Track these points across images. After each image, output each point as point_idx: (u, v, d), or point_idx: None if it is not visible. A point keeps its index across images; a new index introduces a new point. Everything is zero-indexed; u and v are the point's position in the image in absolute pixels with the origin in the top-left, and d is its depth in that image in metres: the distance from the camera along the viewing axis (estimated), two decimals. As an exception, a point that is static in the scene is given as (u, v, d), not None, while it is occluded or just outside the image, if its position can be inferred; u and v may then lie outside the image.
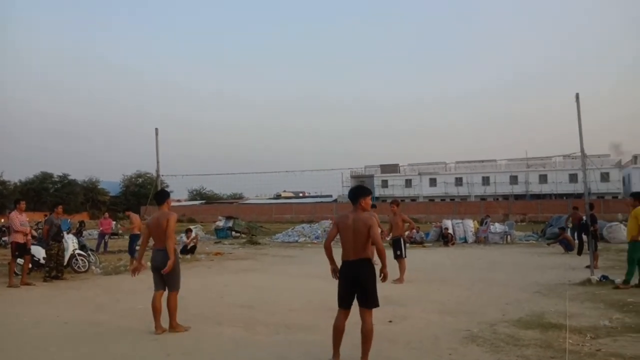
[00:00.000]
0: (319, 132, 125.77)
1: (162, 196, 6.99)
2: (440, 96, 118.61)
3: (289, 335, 6.37)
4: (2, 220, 27.92)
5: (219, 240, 26.12)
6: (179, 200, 70.33)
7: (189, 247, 17.53)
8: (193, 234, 18.62)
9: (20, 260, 10.96)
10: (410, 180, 67.38)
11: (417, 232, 23.71)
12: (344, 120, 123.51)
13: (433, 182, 66.07)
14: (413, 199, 65.07)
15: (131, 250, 13.50)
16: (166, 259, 6.47)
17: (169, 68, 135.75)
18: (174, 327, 6.50)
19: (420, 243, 22.68)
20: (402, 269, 10.83)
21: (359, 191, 5.36)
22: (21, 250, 10.77)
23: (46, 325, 7.03)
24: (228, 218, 30.70)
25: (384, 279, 5.19)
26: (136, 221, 14.10)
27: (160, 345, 5.95)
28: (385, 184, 67.86)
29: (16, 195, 54.35)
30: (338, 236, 5.28)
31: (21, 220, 10.84)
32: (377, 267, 5.15)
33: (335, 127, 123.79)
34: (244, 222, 32.06)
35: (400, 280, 10.65)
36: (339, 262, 5.26)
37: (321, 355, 5.30)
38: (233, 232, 28.85)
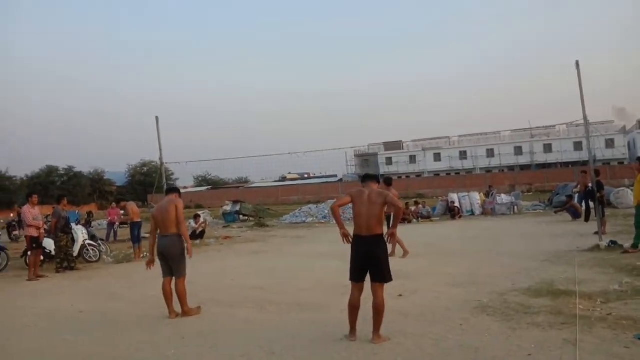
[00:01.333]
0: (321, 113, 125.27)
1: (173, 189, 7.21)
2: (441, 70, 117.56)
3: (302, 314, 6.43)
4: (12, 214, 28.15)
5: (227, 225, 26.24)
6: (185, 187, 70.51)
7: (198, 232, 17.63)
8: (201, 219, 18.72)
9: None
10: (414, 156, 67.24)
11: (423, 207, 23.75)
12: (346, 100, 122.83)
13: (437, 157, 65.92)
14: (418, 175, 65.02)
15: (134, 238, 13.62)
16: (171, 245, 6.59)
17: (168, 55, 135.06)
18: (185, 312, 6.58)
19: (427, 217, 22.72)
20: (400, 244, 10.73)
21: (375, 175, 5.77)
22: (36, 243, 10.88)
23: (61, 315, 7.13)
24: (235, 202, 30.77)
25: (390, 237, 5.30)
26: (133, 210, 14.15)
27: (175, 329, 6.03)
28: (389, 161, 67.75)
29: (23, 191, 54.73)
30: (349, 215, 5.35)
31: (33, 214, 10.88)
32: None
33: (338, 107, 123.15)
34: (251, 206, 32.12)
35: (405, 253, 10.71)
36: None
37: (334, 332, 5.36)
38: (241, 216, 28.96)
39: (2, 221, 28.28)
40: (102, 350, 5.34)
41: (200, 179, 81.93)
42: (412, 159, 67.27)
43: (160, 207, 6.81)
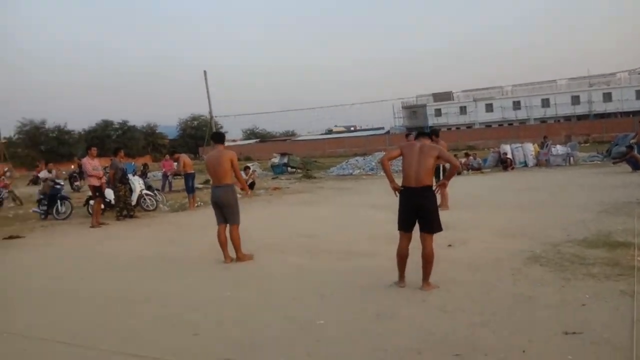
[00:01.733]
0: (367, 63, 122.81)
1: (221, 136, 7.39)
2: (494, 17, 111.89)
3: (351, 261, 6.55)
4: (73, 166, 29.53)
5: (275, 176, 26.66)
6: (234, 140, 71.72)
7: (248, 183, 17.96)
8: (251, 171, 19.09)
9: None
10: (464, 107, 65.24)
11: (474, 158, 23.25)
12: (393, 48, 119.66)
13: (489, 107, 63.68)
14: (469, 126, 63.28)
15: (188, 189, 14.08)
16: (225, 194, 6.80)
17: (218, 11, 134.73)
18: (239, 258, 6.84)
19: (478, 169, 22.28)
20: (444, 196, 10.32)
21: (428, 133, 5.87)
22: (98, 192, 11.47)
23: (124, 259, 7.57)
24: (283, 154, 31.10)
25: (440, 188, 5.46)
26: (185, 161, 14.54)
27: (231, 273, 6.32)
28: (438, 112, 66.09)
29: (82, 144, 57.17)
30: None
31: (93, 165, 11.45)
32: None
33: (384, 57, 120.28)
34: (298, 158, 32.40)
35: (445, 206, 10.10)
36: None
37: (384, 279, 5.45)
38: (289, 168, 29.30)
39: (64, 173, 29.68)
40: (164, 291, 5.67)
41: (248, 132, 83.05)
42: (463, 109, 65.32)
43: (212, 157, 6.96)
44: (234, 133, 74.51)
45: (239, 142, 71.89)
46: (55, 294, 5.81)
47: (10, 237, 10.13)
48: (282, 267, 6.46)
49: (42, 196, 13.23)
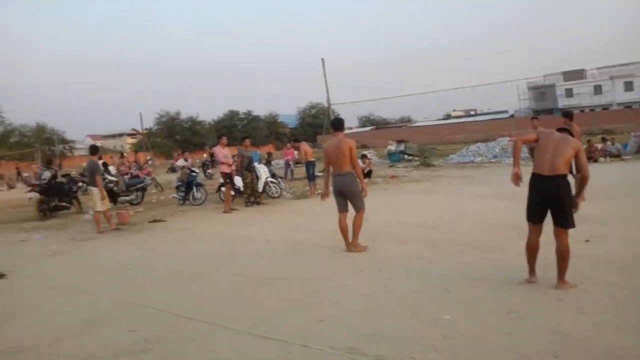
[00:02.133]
0: (487, 41, 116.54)
1: (341, 123, 7.49)
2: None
3: (476, 254, 6.34)
4: (205, 155, 31.82)
5: (392, 164, 26.51)
6: (350, 128, 72.42)
7: (365, 171, 18.12)
8: (368, 160, 19.20)
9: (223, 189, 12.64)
10: (599, 86, 59.29)
11: (612, 144, 21.17)
12: (514, 24, 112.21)
13: (629, 85, 57.18)
14: (605, 107, 57.54)
15: (309, 176, 14.51)
16: (348, 183, 6.92)
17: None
18: (354, 245, 6.89)
19: (617, 156, 20.24)
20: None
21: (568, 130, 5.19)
22: (229, 178, 12.27)
23: (254, 243, 8.05)
24: (399, 142, 30.82)
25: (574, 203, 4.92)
26: (305, 150, 14.96)
27: (352, 261, 6.43)
28: (569, 92, 60.77)
29: (211, 134, 61.43)
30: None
31: (224, 153, 12.33)
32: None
33: (506, 34, 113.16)
34: (415, 145, 31.88)
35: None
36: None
37: (512, 275, 5.21)
38: (405, 156, 28.98)
39: (198, 161, 32.16)
40: (291, 276, 5.94)
41: (364, 119, 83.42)
42: (597, 89, 59.38)
43: (332, 145, 7.06)
44: (350, 121, 75.34)
45: (354, 130, 72.43)
46: (195, 275, 6.36)
47: (155, 221, 11.25)
48: (404, 257, 6.44)
49: (180, 183, 14.47)
